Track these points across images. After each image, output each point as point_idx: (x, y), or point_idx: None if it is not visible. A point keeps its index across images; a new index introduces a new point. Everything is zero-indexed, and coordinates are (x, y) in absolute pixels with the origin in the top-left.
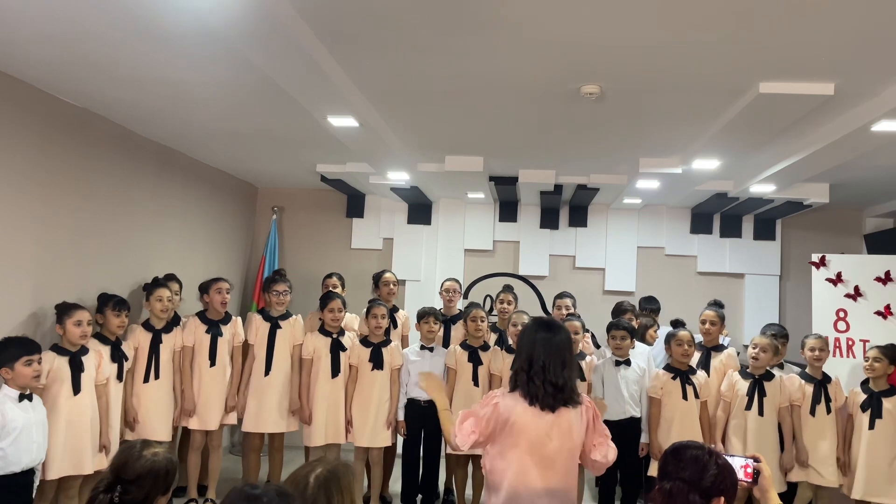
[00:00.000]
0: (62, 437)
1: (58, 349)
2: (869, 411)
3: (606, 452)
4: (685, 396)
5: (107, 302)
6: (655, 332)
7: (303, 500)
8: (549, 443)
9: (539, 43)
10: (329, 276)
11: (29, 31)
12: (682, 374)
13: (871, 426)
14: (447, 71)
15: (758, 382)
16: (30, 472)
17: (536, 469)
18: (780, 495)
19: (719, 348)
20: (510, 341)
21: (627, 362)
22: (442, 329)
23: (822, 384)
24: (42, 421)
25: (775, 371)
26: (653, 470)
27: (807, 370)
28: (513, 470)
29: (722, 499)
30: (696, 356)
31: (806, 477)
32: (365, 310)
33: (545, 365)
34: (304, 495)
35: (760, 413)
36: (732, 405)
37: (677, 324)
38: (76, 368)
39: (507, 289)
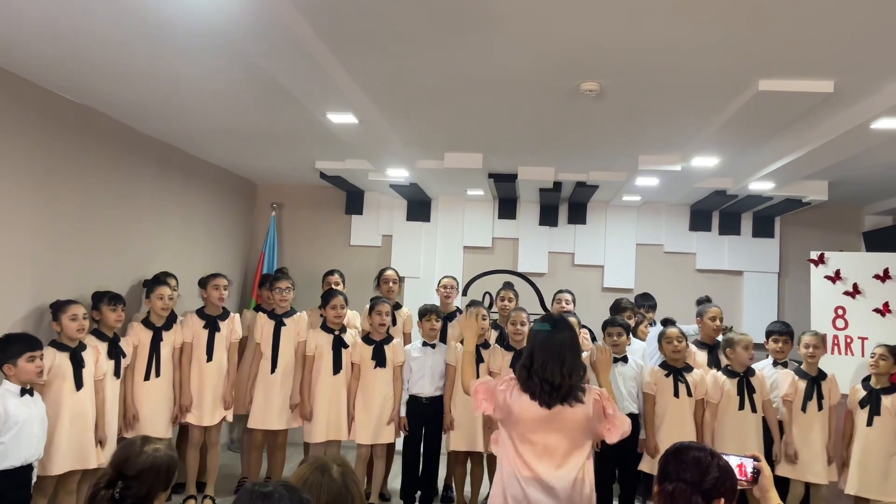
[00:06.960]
0: (66, 432)
1: (57, 345)
2: (868, 408)
3: (625, 431)
4: (677, 394)
5: (101, 298)
6: (647, 327)
7: (329, 495)
8: (549, 436)
9: (538, 40)
10: (330, 273)
11: (28, 28)
12: (675, 371)
13: (869, 423)
14: (446, 68)
15: (744, 379)
16: (28, 468)
17: (535, 460)
18: None
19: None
20: (510, 340)
21: (625, 359)
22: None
23: (815, 381)
24: (41, 416)
25: (778, 368)
26: (644, 465)
27: (802, 366)
28: (510, 459)
29: (722, 500)
30: (703, 355)
31: (796, 474)
32: (368, 307)
33: (544, 363)
34: (331, 491)
35: (753, 409)
36: (721, 405)
37: (667, 322)
38: (77, 364)
39: (508, 286)
